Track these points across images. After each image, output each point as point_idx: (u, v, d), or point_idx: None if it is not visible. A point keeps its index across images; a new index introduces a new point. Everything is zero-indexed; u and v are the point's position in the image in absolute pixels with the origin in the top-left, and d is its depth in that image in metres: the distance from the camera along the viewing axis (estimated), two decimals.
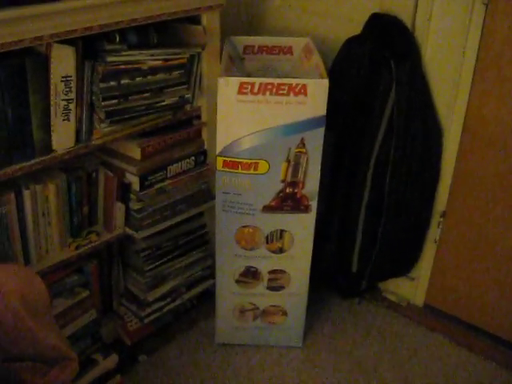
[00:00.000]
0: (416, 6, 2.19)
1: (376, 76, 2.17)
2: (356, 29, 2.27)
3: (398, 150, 2.23)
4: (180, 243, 2.33)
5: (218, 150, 1.98)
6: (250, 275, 2.20)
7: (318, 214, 2.14)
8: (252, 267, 2.19)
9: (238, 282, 2.22)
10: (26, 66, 1.63)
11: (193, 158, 2.24)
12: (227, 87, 1.88)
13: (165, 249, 2.28)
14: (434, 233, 2.51)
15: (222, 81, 1.87)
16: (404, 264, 2.58)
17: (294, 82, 1.88)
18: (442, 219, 2.45)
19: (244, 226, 2.11)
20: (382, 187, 2.30)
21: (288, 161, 1.99)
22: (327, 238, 2.43)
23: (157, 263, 2.26)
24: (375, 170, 2.27)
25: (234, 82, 1.87)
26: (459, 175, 2.35)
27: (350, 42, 2.25)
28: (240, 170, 2.00)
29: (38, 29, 1.59)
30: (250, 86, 1.87)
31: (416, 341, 2.47)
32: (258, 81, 1.87)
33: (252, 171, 2.00)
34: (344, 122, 2.27)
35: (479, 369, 2.34)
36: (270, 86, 1.87)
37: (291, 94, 1.88)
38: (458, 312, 2.57)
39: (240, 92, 1.88)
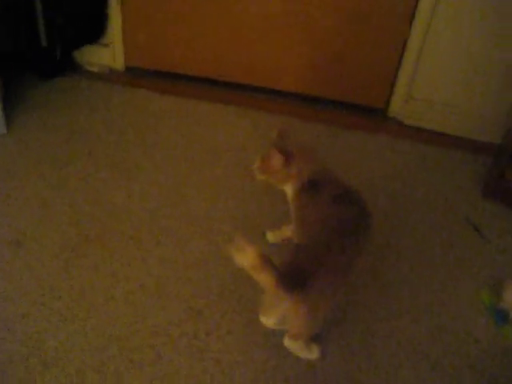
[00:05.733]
0: None
1: None
2: None
3: None
4: None
5: None
6: None
7: None
8: None
9: None
10: None
11: None
12: None
13: None
14: None
15: None
16: (92, 28, 2.56)
17: None
18: None
19: None
20: None
21: None
22: (5, 15, 2.29)
23: None
24: None
25: None
26: None
27: None
28: None
29: None
30: None
31: (123, 100, 2.56)
32: None
33: None
34: None
35: (175, 104, 2.55)
36: None
37: None
38: (157, 65, 2.69)
39: None
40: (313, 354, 1.56)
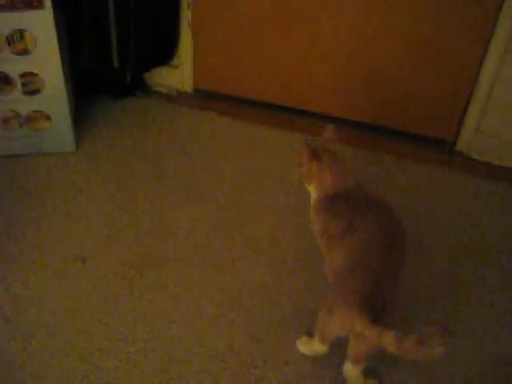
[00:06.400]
0: None
1: None
2: None
3: None
4: None
5: None
6: (1, 81, 2.10)
7: (65, 11, 2.09)
8: (1, 72, 2.08)
9: None
10: None
11: None
12: None
13: None
14: (186, 16, 2.54)
15: None
16: (163, 51, 2.62)
17: None
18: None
19: None
20: None
21: None
22: (81, 36, 2.37)
23: None
24: None
25: None
26: None
27: None
28: None
29: None
30: None
31: (190, 122, 2.58)
32: None
33: None
34: None
35: (241, 128, 2.55)
36: None
37: None
38: (225, 88, 2.71)
39: None
40: None
